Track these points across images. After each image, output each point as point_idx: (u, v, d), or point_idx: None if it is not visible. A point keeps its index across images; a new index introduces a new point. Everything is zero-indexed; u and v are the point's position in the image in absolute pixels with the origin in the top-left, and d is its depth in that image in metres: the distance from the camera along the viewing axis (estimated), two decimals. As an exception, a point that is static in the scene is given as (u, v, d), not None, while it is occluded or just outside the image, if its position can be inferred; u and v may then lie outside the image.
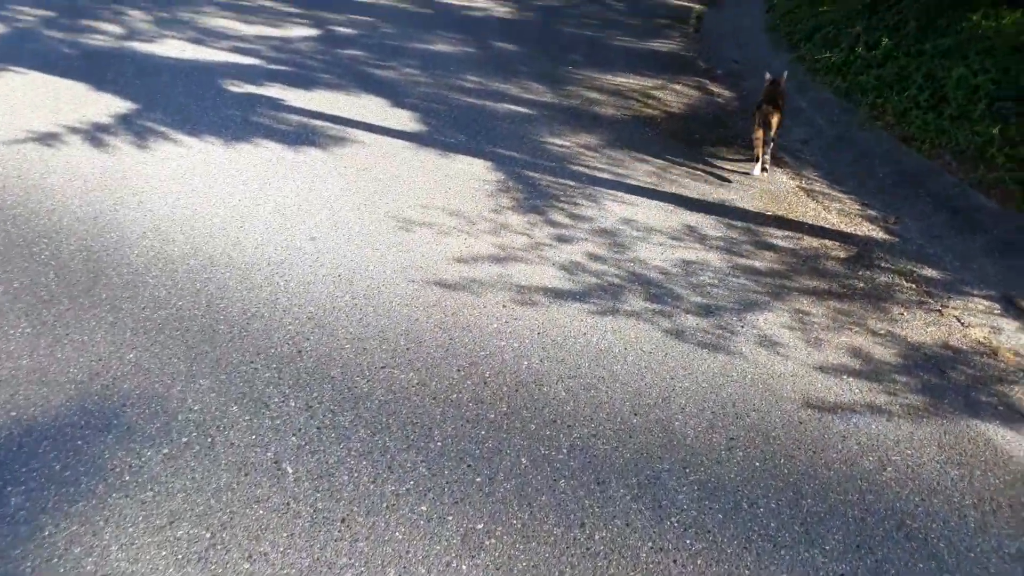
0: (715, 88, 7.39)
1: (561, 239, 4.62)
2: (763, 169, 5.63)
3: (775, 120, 5.46)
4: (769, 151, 5.61)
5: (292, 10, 9.26)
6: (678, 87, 7.35)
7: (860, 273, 4.42)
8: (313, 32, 8.41)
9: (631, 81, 7.42)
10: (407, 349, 3.56)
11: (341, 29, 8.56)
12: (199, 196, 4.81)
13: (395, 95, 6.73)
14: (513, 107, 6.63)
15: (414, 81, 7.12)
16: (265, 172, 5.19)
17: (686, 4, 11.02)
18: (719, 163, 5.77)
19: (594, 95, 6.99)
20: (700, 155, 5.89)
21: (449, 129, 6.10)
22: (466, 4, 10.00)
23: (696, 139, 6.20)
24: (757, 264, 4.46)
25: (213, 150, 5.47)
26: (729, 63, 8.19)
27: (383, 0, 9.92)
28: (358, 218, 4.68)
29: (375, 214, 4.74)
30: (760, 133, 5.51)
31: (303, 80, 6.93)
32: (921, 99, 5.98)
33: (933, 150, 5.56)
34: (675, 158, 5.81)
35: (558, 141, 6.00)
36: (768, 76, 5.76)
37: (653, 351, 3.65)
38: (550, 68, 7.69)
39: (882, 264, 4.52)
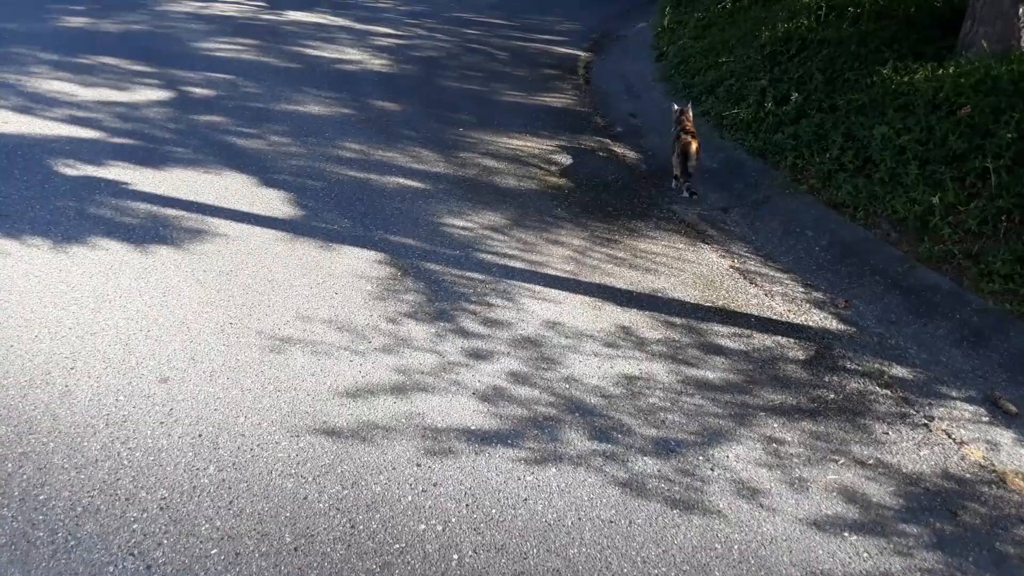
0: (618, 149, 6.80)
1: (476, 355, 3.79)
2: (691, 193, 5.81)
3: (694, 148, 5.68)
4: (691, 178, 5.80)
5: (139, 68, 8.12)
6: (580, 149, 6.69)
7: (826, 379, 3.80)
8: (164, 95, 7.32)
9: (529, 144, 6.72)
10: (295, 550, 2.62)
11: (197, 90, 7.50)
12: (14, 323, 3.72)
13: (263, 170, 5.78)
14: (403, 180, 5.79)
15: (285, 151, 6.17)
16: (104, 284, 4.15)
17: (570, 52, 10.52)
18: (640, 242, 5.11)
19: (491, 162, 6.24)
20: (618, 232, 5.25)
21: (329, 212, 5.20)
22: (338, 57, 9.12)
23: (611, 212, 5.54)
24: (710, 375, 3.76)
25: (37, 256, 4.39)
26: (627, 119, 7.64)
27: (244, 54, 8.90)
28: (222, 344, 3.71)
29: (243, 336, 3.78)
30: (679, 163, 5.79)
31: (153, 156, 5.88)
32: (845, 160, 5.53)
33: (868, 218, 5.09)
34: (592, 238, 5.12)
35: (459, 222, 5.20)
36: (676, 107, 6.06)
37: (614, 519, 2.87)
38: (438, 130, 6.90)
39: (847, 365, 3.91)
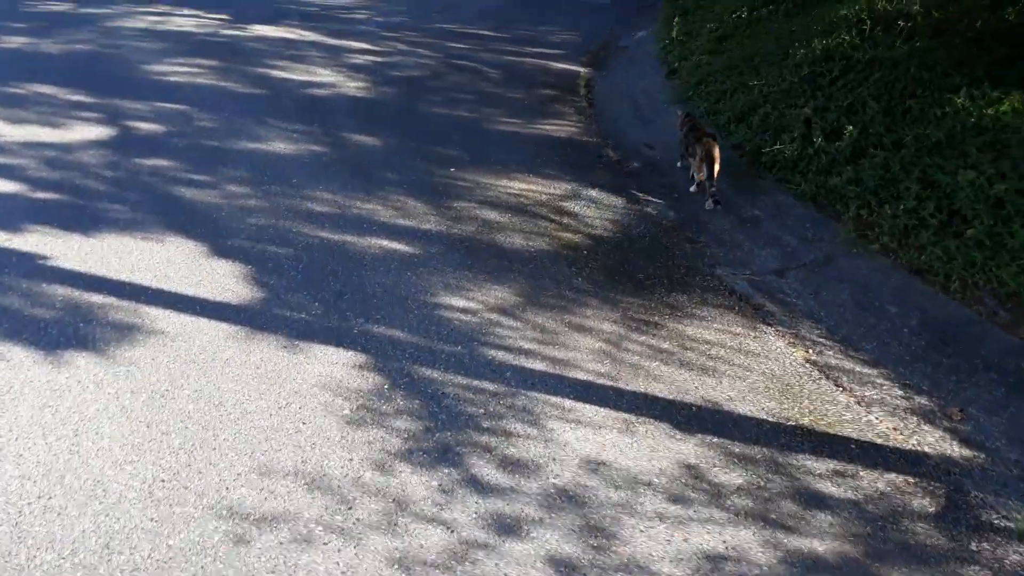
0: (638, 191, 5.71)
1: (501, 526, 2.74)
2: (716, 202, 5.41)
3: (718, 152, 5.31)
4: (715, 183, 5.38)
5: (79, 98, 6.99)
6: (594, 193, 5.66)
7: (972, 547, 2.80)
8: (104, 132, 6.22)
9: (534, 187, 5.67)
10: None
11: (143, 125, 6.40)
12: None
13: (215, 233, 4.72)
14: (387, 243, 4.73)
15: (243, 205, 5.10)
16: (-11, 424, 3.02)
17: (569, 67, 9.46)
18: (687, 325, 4.09)
19: (492, 214, 5.20)
20: (657, 311, 4.24)
21: (296, 293, 4.13)
22: (308, 79, 8.01)
23: (643, 281, 4.51)
24: (819, 548, 2.72)
25: (-97, 377, 3.26)
26: (642, 150, 6.61)
27: (201, 78, 7.78)
28: (150, 519, 2.61)
29: (179, 505, 2.69)
30: (703, 169, 5.37)
31: (82, 217, 4.81)
32: (925, 213, 4.49)
33: (967, 291, 4.06)
34: (626, 320, 4.09)
35: (459, 302, 4.14)
36: (680, 112, 5.96)
37: None
38: (426, 172, 5.85)
39: (992, 519, 2.93)
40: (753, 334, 4.09)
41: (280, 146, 6.24)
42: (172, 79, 7.83)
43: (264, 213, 5.08)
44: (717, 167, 5.29)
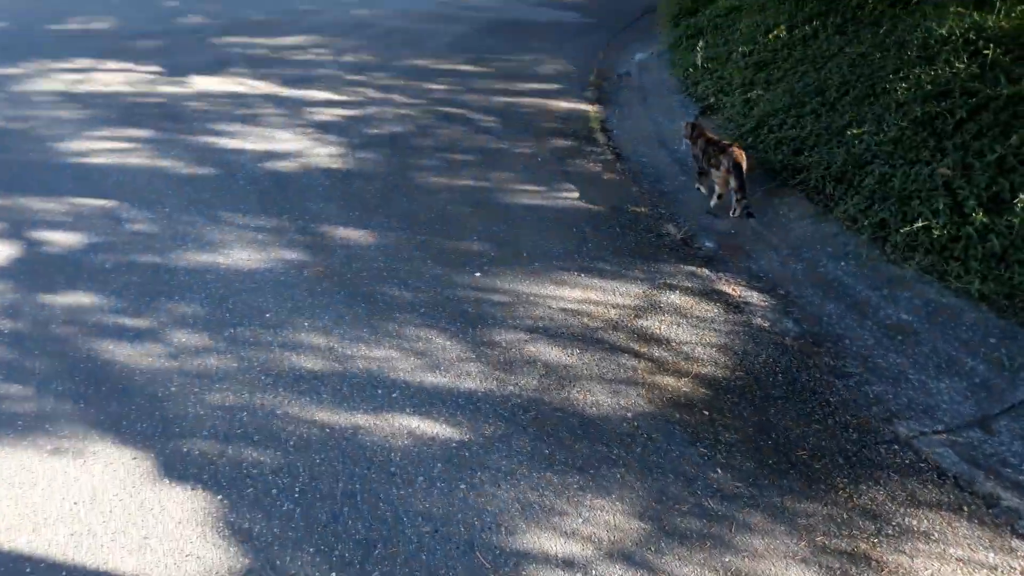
0: (730, 288, 4.39)
1: None
2: (750, 215, 5.00)
3: (745, 161, 4.96)
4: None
5: None
6: (675, 298, 4.21)
7: None
8: (2, 253, 4.49)
9: (593, 295, 4.30)
10: None
11: (56, 237, 4.85)
12: None
13: (161, 432, 3.28)
14: (418, 425, 3.28)
15: (199, 370, 3.62)
16: None
17: (573, 105, 8.03)
18: (915, 556, 2.73)
19: (553, 352, 3.78)
20: (856, 529, 2.93)
21: (295, 552, 2.53)
22: (267, 147, 6.47)
23: (808, 464, 3.18)
24: None
25: None
26: (709, 222, 5.19)
27: (132, 157, 6.22)
28: None
29: None
30: (729, 182, 5.00)
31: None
32: None
33: None
34: (820, 557, 2.71)
35: (554, 543, 2.76)
36: (685, 123, 5.68)
37: None
38: (444, 280, 4.38)
39: None
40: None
41: (242, 256, 4.62)
42: (95, 160, 6.15)
43: (231, 382, 3.48)
44: (743, 176, 4.96)
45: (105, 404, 3.40)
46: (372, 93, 8.28)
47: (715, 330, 4.01)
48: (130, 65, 9.16)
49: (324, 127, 7.13)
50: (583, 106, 8.00)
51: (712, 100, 6.97)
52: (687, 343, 3.89)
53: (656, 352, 3.80)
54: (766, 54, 7.12)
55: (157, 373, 3.61)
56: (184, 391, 3.48)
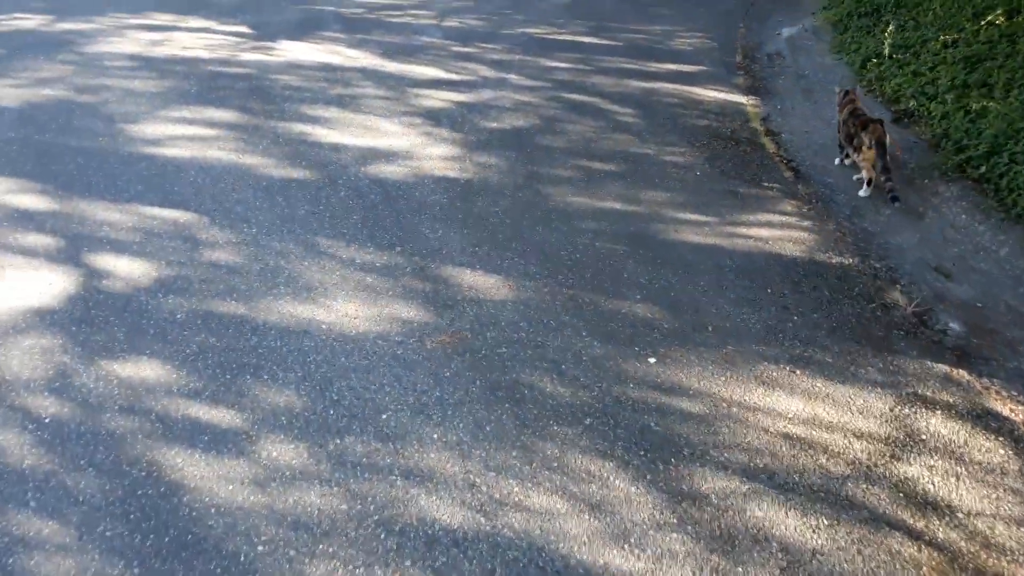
0: (1010, 408, 3.26)
1: None
2: (895, 199, 4.53)
3: (888, 139, 4.57)
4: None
5: (23, 203, 4.58)
6: (939, 426, 3.25)
7: None
8: (48, 293, 3.99)
9: (819, 408, 3.28)
10: None
11: (117, 266, 4.06)
12: None
13: None
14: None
15: (290, 516, 2.83)
16: None
17: (722, 96, 6.77)
18: None
19: (782, 518, 2.78)
20: None
21: None
22: (369, 143, 5.61)
23: None
24: None
25: None
26: (939, 282, 3.94)
27: (213, 148, 5.41)
28: None
29: None
30: (875, 163, 4.63)
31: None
32: None
33: None
34: None
35: None
36: (838, 89, 5.25)
37: None
38: (608, 367, 3.48)
39: None
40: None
41: (348, 311, 3.61)
42: (171, 152, 5.16)
43: (340, 542, 2.58)
44: (887, 157, 4.61)
45: (166, 569, 2.35)
46: (485, 71, 7.06)
47: (1011, 490, 2.76)
48: (212, 24, 8.12)
49: (434, 116, 5.97)
50: (735, 97, 6.65)
51: (912, 104, 5.54)
52: (978, 514, 2.69)
53: (940, 531, 2.61)
54: (979, 47, 5.68)
55: (239, 515, 2.58)
56: (275, 555, 2.43)
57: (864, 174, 4.83)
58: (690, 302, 3.83)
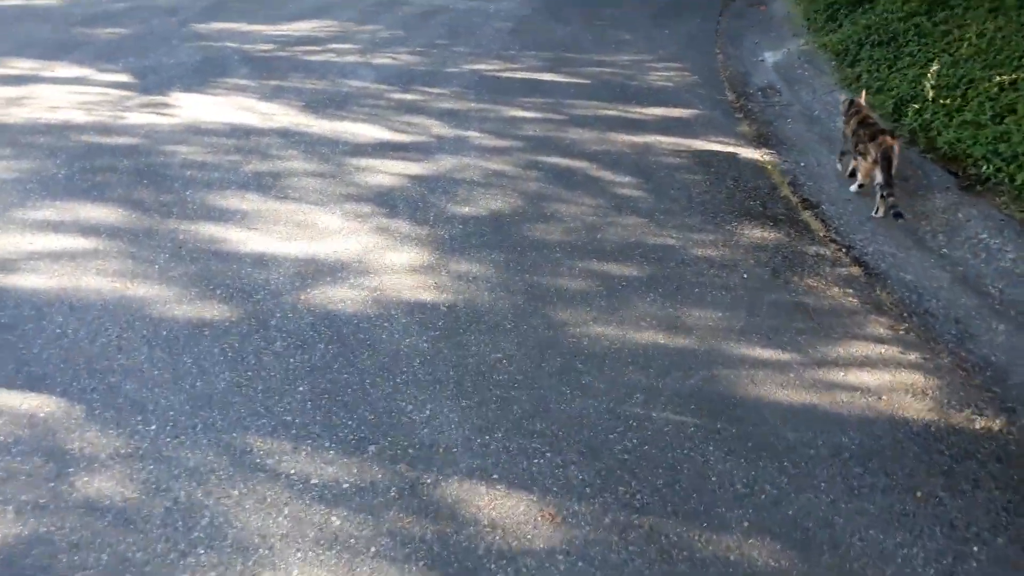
0: None
1: None
2: (898, 215, 4.36)
3: (897, 151, 4.36)
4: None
5: None
6: None
7: None
8: None
9: None
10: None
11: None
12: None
13: None
14: None
15: None
16: None
17: (730, 149, 5.83)
18: None
19: None
20: None
21: None
22: (306, 252, 4.41)
23: None
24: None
25: None
26: None
27: (88, 276, 3.99)
28: None
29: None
30: (875, 173, 4.44)
31: None
32: None
33: None
34: None
35: None
36: (843, 98, 5.13)
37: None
38: None
39: None
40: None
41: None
42: (26, 282, 3.70)
43: None
44: (893, 170, 4.36)
45: None
46: (437, 127, 5.68)
47: None
48: (87, 71, 6.50)
49: (386, 201, 4.60)
50: (746, 151, 5.49)
51: (986, 169, 4.41)
52: None
53: None
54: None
55: None
56: None
57: (859, 177, 4.75)
58: (820, 526, 2.55)
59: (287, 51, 7.42)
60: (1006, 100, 4.84)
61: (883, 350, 3.48)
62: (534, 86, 6.66)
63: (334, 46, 7.62)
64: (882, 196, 4.47)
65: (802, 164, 5.40)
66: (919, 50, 5.77)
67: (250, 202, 4.57)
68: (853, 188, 4.87)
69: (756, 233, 4.44)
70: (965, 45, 5.53)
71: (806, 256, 4.22)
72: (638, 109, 6.23)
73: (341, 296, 3.72)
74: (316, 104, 6.09)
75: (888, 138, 4.41)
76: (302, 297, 3.71)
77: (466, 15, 8.79)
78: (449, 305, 3.69)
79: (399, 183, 4.87)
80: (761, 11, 9.28)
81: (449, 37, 8.02)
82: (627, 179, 5.06)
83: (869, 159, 4.51)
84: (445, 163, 5.17)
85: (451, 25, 8.39)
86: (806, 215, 4.71)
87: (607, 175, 5.10)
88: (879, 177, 4.42)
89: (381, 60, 7.23)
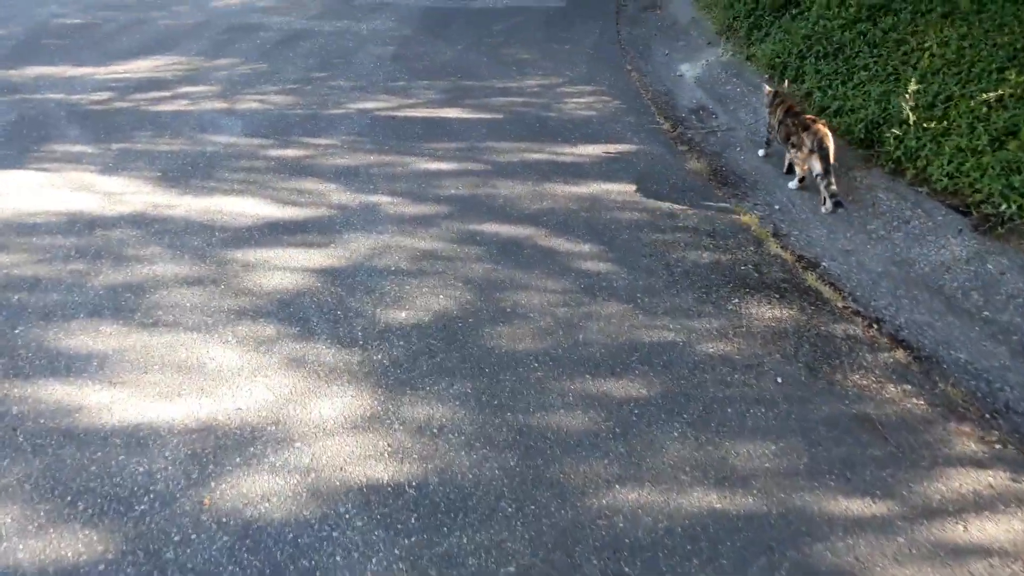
0: None
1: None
2: (837, 204, 4.29)
3: (832, 140, 4.28)
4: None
5: None
6: None
7: None
8: None
9: None
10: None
11: None
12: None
13: None
14: None
15: None
16: None
17: (677, 195, 4.62)
18: None
19: None
20: None
21: None
22: (202, 419, 2.98)
23: None
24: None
25: None
26: None
27: None
28: None
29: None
30: (814, 162, 4.33)
31: None
32: None
33: None
34: None
35: None
36: (767, 88, 4.98)
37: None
38: None
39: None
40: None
41: None
42: None
43: None
44: (832, 159, 4.27)
45: None
46: (336, 192, 4.61)
47: None
48: None
49: (294, 312, 3.53)
50: (707, 197, 4.58)
51: (1005, 207, 3.75)
52: None
53: None
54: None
55: None
56: None
57: (797, 171, 4.62)
58: None
59: (128, 100, 6.00)
60: (1000, 122, 4.20)
61: (991, 479, 2.69)
62: (439, 126, 5.59)
63: (186, 89, 6.25)
64: (824, 186, 4.33)
65: (776, 207, 4.63)
66: (874, 63, 5.11)
67: (107, 337, 3.30)
68: (793, 185, 4.70)
69: (765, 312, 3.58)
70: (927, 56, 4.89)
71: (836, 340, 3.41)
72: (567, 149, 5.28)
73: (261, 491, 2.57)
74: (176, 173, 4.80)
75: (820, 126, 4.34)
76: (206, 502, 2.52)
77: (336, 39, 7.58)
78: (417, 484, 2.61)
79: (305, 283, 3.71)
80: (658, 15, 8.54)
81: (323, 68, 6.80)
82: (586, 247, 4.11)
83: (805, 149, 4.40)
84: (358, 246, 4.04)
85: (322, 53, 7.17)
86: (811, 278, 3.91)
87: (561, 244, 4.12)
88: (818, 167, 4.31)
89: (247, 104, 5.95)
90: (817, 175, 4.38)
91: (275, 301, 3.62)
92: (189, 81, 6.47)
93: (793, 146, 4.56)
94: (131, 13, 8.34)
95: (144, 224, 4.24)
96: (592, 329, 3.48)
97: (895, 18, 5.40)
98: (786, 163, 4.84)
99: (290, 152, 5.19)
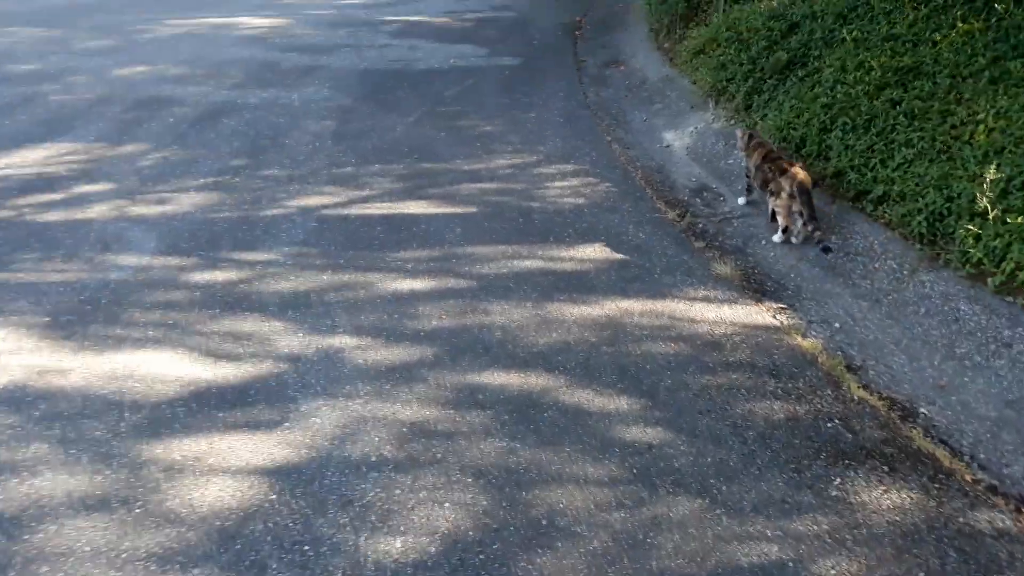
0: None
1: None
2: (826, 248, 4.08)
3: (809, 182, 4.21)
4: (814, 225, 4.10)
5: None
6: None
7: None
8: None
9: None
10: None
11: None
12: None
13: None
14: None
15: None
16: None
17: (726, 318, 4.23)
18: None
19: None
20: None
21: None
22: None
23: None
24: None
25: None
26: None
27: None
28: None
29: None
30: (795, 208, 4.21)
31: None
32: None
33: None
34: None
35: None
36: (741, 132, 4.84)
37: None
38: None
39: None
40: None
41: None
42: None
43: None
44: (813, 203, 4.16)
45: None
46: (283, 336, 3.53)
47: None
48: None
49: (243, 553, 2.48)
50: (750, 314, 3.92)
51: None
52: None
53: None
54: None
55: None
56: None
57: (780, 221, 4.37)
58: None
59: (7, 208, 4.79)
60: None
61: None
62: (403, 227, 4.57)
63: (83, 189, 5.07)
64: (809, 231, 4.17)
65: (836, 325, 3.73)
66: (918, 138, 4.27)
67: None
68: (777, 238, 4.46)
69: (882, 499, 2.66)
70: (982, 131, 4.06)
71: (985, 539, 2.49)
72: (564, 252, 4.31)
73: None
74: (69, 316, 3.64)
75: (798, 170, 4.25)
76: None
77: (264, 114, 6.47)
78: None
79: (254, 496, 2.62)
80: (622, 71, 7.71)
81: (251, 153, 5.69)
82: (624, 403, 3.11)
83: (784, 195, 4.25)
84: (322, 423, 2.96)
85: (249, 133, 6.05)
86: (916, 436, 3.00)
87: (590, 400, 3.13)
88: (802, 212, 4.17)
89: (161, 208, 4.80)
90: (802, 222, 4.23)
91: (214, 534, 2.48)
92: (87, 177, 5.27)
93: (771, 193, 4.38)
94: (15, 87, 7.06)
95: (24, 405, 3.06)
96: (666, 548, 2.46)
97: (931, 84, 4.59)
98: (769, 210, 4.55)
99: (219, 275, 4.06)
